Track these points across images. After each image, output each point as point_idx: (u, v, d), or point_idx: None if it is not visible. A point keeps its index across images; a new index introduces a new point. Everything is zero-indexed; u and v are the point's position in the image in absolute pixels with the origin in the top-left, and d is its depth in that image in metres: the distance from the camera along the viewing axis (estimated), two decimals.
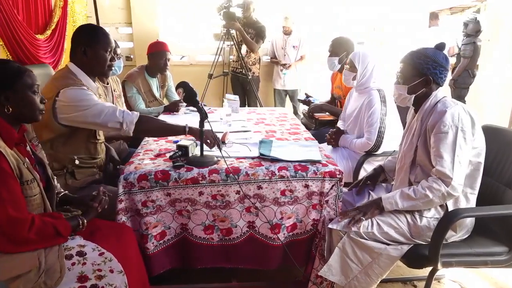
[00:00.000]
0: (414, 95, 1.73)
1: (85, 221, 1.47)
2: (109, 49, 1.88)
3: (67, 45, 3.74)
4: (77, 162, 1.89)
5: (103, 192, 1.60)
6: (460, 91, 5.03)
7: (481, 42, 5.05)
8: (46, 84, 1.89)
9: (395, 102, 1.89)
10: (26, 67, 1.41)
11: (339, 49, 3.01)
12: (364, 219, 1.66)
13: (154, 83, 3.22)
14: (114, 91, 2.71)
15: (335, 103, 3.28)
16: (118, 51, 2.61)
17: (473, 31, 4.98)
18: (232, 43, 4.42)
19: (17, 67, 1.37)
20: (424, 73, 1.68)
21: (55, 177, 1.60)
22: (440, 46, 1.71)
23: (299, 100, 3.68)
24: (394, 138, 2.40)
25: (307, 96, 3.51)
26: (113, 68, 2.02)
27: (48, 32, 3.37)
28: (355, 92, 2.56)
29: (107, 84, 2.64)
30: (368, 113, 2.36)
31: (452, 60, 5.19)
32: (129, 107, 3.05)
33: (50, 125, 1.77)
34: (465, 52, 4.97)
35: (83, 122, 1.79)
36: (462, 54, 5.03)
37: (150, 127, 1.89)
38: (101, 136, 2.02)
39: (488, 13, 5.20)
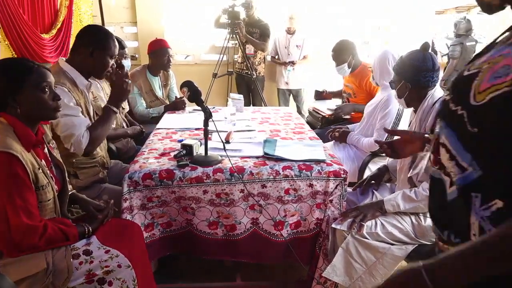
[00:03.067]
0: (403, 99, 1.79)
1: (91, 230, 1.49)
2: (113, 57, 1.92)
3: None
4: (76, 162, 1.89)
5: (111, 205, 1.62)
6: None
7: (472, 42, 5.04)
8: None
9: None
10: (37, 64, 1.39)
11: (344, 55, 3.01)
12: (364, 224, 1.66)
13: (156, 82, 3.22)
14: None
15: (343, 101, 3.29)
16: (126, 51, 2.62)
17: (464, 31, 4.98)
18: (236, 42, 4.43)
19: (23, 65, 1.35)
20: (401, 78, 1.75)
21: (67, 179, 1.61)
22: (423, 48, 1.72)
23: (315, 98, 3.60)
24: None
25: (322, 92, 3.48)
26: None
27: (54, 31, 3.39)
28: (380, 90, 2.56)
29: None
30: (383, 113, 2.35)
31: (444, 60, 5.21)
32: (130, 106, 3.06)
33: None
34: (453, 53, 5.00)
35: (63, 119, 1.76)
36: (450, 55, 5.05)
37: (99, 139, 1.89)
38: None
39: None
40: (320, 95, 3.47)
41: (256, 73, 4.57)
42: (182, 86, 1.86)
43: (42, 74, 1.37)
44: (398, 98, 1.83)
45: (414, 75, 1.70)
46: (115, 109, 1.92)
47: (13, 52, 2.86)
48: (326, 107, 3.32)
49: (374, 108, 2.45)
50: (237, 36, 4.33)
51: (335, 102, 3.54)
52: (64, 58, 1.91)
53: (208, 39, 5.16)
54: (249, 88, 4.70)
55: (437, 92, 1.72)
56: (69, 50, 3.57)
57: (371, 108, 2.48)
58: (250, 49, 4.55)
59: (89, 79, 1.95)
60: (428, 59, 1.69)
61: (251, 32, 4.48)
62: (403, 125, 2.47)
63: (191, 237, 1.84)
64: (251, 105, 4.71)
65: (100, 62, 1.87)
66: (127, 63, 2.60)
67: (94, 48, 1.84)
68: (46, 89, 1.38)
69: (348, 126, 2.73)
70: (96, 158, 1.99)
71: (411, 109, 1.88)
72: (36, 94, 1.35)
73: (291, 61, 4.69)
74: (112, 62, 1.92)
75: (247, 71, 4.50)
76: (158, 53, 3.12)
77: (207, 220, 1.81)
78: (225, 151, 1.78)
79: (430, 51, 1.76)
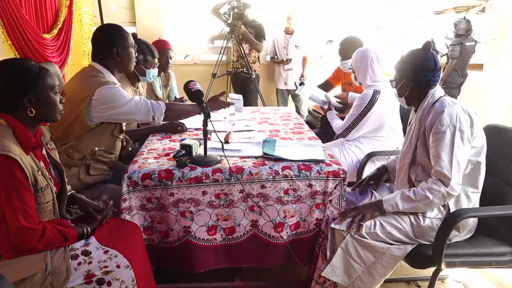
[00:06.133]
0: (404, 97, 1.78)
1: (89, 230, 1.49)
2: (133, 45, 2.02)
3: (73, 43, 3.77)
4: (98, 153, 1.93)
5: (110, 206, 1.63)
6: (450, 91, 5.05)
7: (472, 42, 5.05)
8: (74, 83, 1.94)
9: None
10: (46, 67, 1.41)
11: (351, 51, 3.00)
12: (363, 224, 1.66)
13: (157, 82, 3.21)
14: (141, 94, 2.73)
15: (324, 90, 3.32)
16: (156, 61, 2.62)
17: (464, 31, 5.00)
18: (234, 42, 4.43)
19: (38, 68, 1.36)
20: (402, 77, 1.74)
21: (66, 179, 1.61)
22: (426, 46, 1.72)
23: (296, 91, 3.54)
24: (394, 138, 2.42)
25: (301, 83, 3.43)
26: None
27: (55, 31, 3.39)
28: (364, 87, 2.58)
29: (137, 88, 2.65)
30: (354, 105, 2.46)
31: (443, 60, 5.22)
32: None
33: (83, 122, 1.84)
34: (453, 53, 5.01)
35: (118, 118, 1.93)
36: (450, 55, 5.06)
37: (174, 114, 2.07)
38: (121, 134, 2.07)
39: (493, 12, 5.17)
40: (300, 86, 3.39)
41: (253, 73, 4.58)
42: (189, 96, 1.91)
43: (54, 77, 1.41)
44: (398, 97, 1.82)
45: (415, 74, 1.69)
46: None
47: (16, 52, 2.86)
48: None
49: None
50: (234, 34, 4.33)
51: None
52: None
53: (207, 39, 5.16)
54: (245, 88, 4.68)
55: (438, 92, 1.71)
56: (70, 51, 3.61)
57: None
58: (245, 48, 4.54)
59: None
60: (430, 58, 1.68)
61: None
62: (399, 125, 2.48)
63: (189, 249, 1.82)
64: (247, 104, 4.71)
65: (127, 57, 1.98)
66: (154, 72, 2.60)
67: (117, 48, 1.93)
68: (57, 91, 1.42)
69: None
70: (112, 154, 2.02)
71: (412, 110, 1.88)
72: (51, 95, 1.38)
73: (289, 59, 4.69)
74: (134, 51, 2.02)
75: (242, 69, 4.50)
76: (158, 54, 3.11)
77: (206, 224, 1.80)
78: (223, 151, 1.78)
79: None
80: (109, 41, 1.93)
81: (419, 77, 1.69)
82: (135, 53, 2.06)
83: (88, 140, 1.89)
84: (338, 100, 3.01)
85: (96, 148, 1.92)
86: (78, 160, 1.89)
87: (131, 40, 2.00)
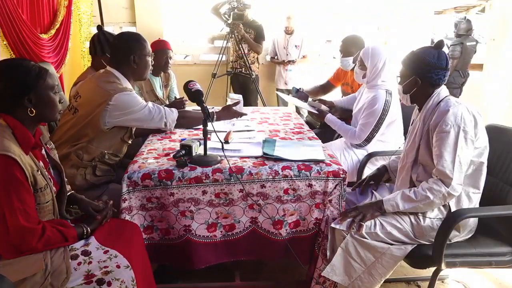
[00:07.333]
0: (409, 94, 1.75)
1: (89, 230, 1.49)
2: (150, 54, 2.04)
3: (71, 44, 3.75)
4: (106, 156, 1.96)
5: (110, 206, 1.63)
6: (451, 91, 5.04)
7: (473, 42, 5.05)
8: (90, 87, 1.95)
9: (401, 101, 1.90)
10: (45, 67, 1.41)
11: (352, 48, 2.99)
12: (364, 224, 1.66)
13: (157, 82, 3.21)
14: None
15: (324, 90, 3.33)
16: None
17: (464, 31, 5.00)
18: (233, 42, 4.43)
19: (38, 68, 1.37)
20: (412, 73, 1.70)
21: (66, 179, 1.61)
22: (438, 45, 1.71)
23: (292, 95, 3.51)
24: (396, 139, 2.41)
25: (299, 89, 3.41)
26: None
27: (52, 31, 3.37)
28: (366, 89, 2.54)
29: None
30: (368, 111, 2.37)
31: None
32: None
33: (96, 126, 1.88)
34: (453, 53, 5.02)
35: (131, 124, 2.00)
36: (450, 55, 5.07)
37: (186, 121, 2.19)
38: (130, 139, 2.11)
39: (493, 12, 5.17)
40: (297, 92, 3.38)
41: (253, 73, 4.58)
42: (188, 95, 1.91)
43: (53, 77, 1.42)
44: (402, 94, 1.78)
45: (427, 71, 1.67)
46: None
47: (12, 52, 2.85)
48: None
49: (361, 107, 2.47)
50: (234, 34, 4.33)
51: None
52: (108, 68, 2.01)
53: (207, 39, 5.16)
54: (245, 88, 4.67)
55: (443, 92, 1.71)
56: (67, 52, 3.60)
57: (359, 107, 2.51)
58: (244, 47, 4.54)
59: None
60: (442, 57, 1.67)
61: (246, 33, 4.47)
62: (401, 126, 2.47)
63: (189, 247, 1.82)
64: (247, 105, 4.71)
65: (143, 65, 2.01)
66: None
67: (134, 55, 1.95)
68: (57, 91, 1.42)
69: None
70: (118, 157, 2.05)
71: (415, 109, 1.87)
72: (51, 95, 1.39)
73: (290, 60, 4.70)
74: (151, 59, 2.06)
75: (241, 69, 4.49)
76: (157, 54, 3.09)
77: (206, 222, 1.80)
78: (223, 151, 1.78)
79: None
80: (126, 49, 1.96)
81: (430, 75, 1.67)
82: (152, 61, 2.08)
83: (99, 143, 1.92)
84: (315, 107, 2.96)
85: (106, 151, 1.95)
86: (87, 161, 1.92)
87: (149, 48, 2.03)
